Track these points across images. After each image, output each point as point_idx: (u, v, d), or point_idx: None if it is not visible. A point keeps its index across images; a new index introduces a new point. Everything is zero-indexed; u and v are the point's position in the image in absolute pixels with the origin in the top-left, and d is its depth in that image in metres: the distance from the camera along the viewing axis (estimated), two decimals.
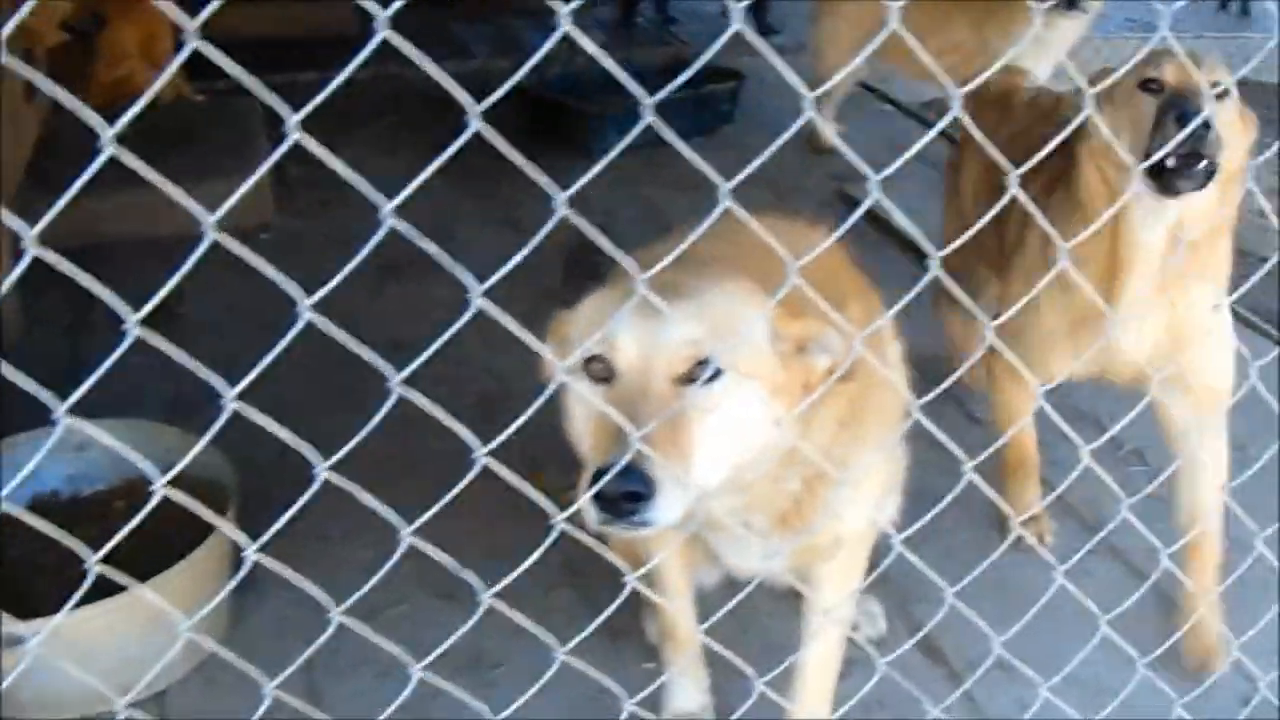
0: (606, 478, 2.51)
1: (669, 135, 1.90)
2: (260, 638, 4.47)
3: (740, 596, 3.20)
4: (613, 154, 2.06)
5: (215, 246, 1.83)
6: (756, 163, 2.14)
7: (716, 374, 2.76)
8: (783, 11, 12.30)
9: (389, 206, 1.86)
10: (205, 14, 1.65)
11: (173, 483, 2.05)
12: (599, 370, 2.80)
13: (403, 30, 1.87)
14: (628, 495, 2.53)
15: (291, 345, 1.98)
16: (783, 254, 2.34)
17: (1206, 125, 3.17)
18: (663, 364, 2.74)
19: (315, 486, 2.18)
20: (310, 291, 1.81)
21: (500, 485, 2.33)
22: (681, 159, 1.94)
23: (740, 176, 2.13)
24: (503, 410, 5.33)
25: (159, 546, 3.99)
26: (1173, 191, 3.62)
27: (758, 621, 4.47)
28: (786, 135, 2.20)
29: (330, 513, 2.28)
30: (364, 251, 1.96)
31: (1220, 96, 3.51)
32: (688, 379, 2.74)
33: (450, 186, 7.50)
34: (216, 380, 1.97)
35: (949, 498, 3.05)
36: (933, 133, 2.51)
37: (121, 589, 2.25)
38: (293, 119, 1.68)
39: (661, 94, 1.98)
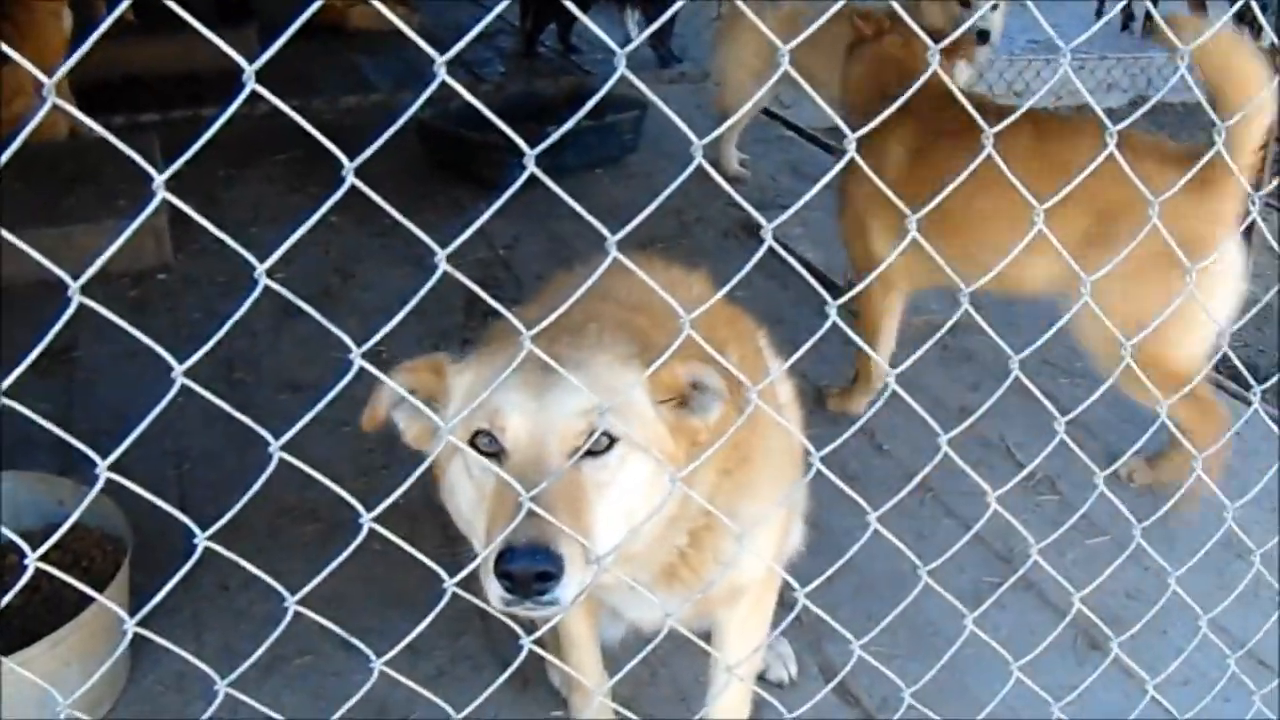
0: (517, 558, 2.47)
1: (561, 186, 1.83)
2: (160, 693, 4.36)
3: (648, 649, 3.14)
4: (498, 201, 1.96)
5: (109, 287, 1.75)
6: (640, 217, 2.07)
7: (610, 444, 2.72)
8: (685, 40, 12.30)
9: (262, 268, 1.79)
10: (65, 68, 1.57)
11: (70, 533, 1.95)
12: (487, 444, 2.73)
13: (305, 63, 1.80)
14: (539, 575, 2.49)
15: (190, 389, 1.89)
16: (675, 307, 2.33)
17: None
18: (555, 438, 2.69)
19: (195, 558, 2.11)
20: (206, 333, 1.73)
21: (400, 530, 2.28)
22: (586, 189, 1.89)
23: (623, 231, 2.07)
24: (405, 455, 5.26)
25: (59, 597, 3.90)
26: None
27: (668, 666, 4.40)
28: (675, 184, 2.13)
29: (230, 562, 2.21)
30: (243, 308, 1.88)
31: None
32: (581, 451, 2.68)
33: (354, 223, 7.45)
34: (93, 454, 1.86)
35: (855, 548, 3.02)
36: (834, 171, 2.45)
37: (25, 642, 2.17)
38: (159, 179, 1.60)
39: (550, 138, 1.91)
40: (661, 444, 2.81)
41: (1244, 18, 13.90)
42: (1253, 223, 8.64)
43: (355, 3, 12.44)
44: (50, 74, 6.06)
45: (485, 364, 2.87)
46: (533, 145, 1.89)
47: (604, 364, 2.83)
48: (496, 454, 2.72)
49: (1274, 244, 3.70)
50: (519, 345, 2.28)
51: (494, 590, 2.53)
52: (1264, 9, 13.63)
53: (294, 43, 1.73)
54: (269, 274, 1.84)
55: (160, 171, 1.70)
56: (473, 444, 2.73)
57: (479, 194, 8.23)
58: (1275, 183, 6.83)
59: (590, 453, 2.69)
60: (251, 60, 1.64)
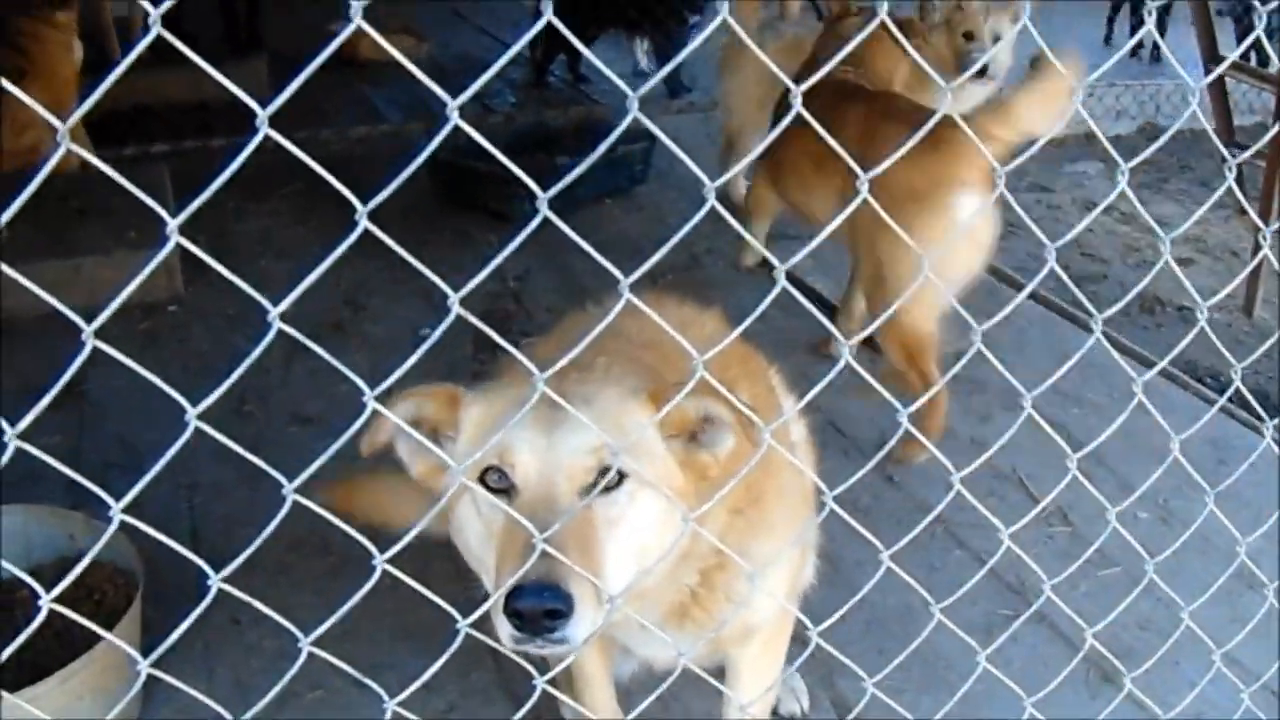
0: (526, 597, 2.43)
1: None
2: None
3: (661, 688, 3.13)
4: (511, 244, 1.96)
5: (120, 319, 1.74)
6: (652, 260, 2.07)
7: (620, 480, 2.69)
8: (694, 69, 12.30)
9: (275, 311, 1.79)
10: (77, 116, 1.57)
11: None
12: (496, 481, 2.70)
13: (314, 93, 1.80)
14: (549, 613, 2.45)
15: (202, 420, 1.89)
16: (688, 347, 2.33)
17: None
18: (564, 475, 2.66)
19: (208, 599, 2.10)
20: (215, 367, 1.73)
21: (412, 566, 2.27)
22: (596, 221, 1.89)
23: (636, 274, 2.07)
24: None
25: (70, 631, 3.89)
26: None
27: (679, 700, 4.38)
28: (688, 226, 2.12)
29: (244, 593, 2.20)
30: (255, 352, 1.88)
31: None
32: (591, 488, 2.66)
33: (363, 256, 7.39)
34: (106, 496, 1.87)
35: (868, 586, 3.00)
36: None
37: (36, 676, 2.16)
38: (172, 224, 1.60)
39: (561, 182, 1.92)
40: (671, 480, 2.79)
41: (1253, 42, 13.95)
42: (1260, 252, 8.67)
43: (364, 34, 12.41)
44: (62, 105, 6.06)
45: (496, 398, 2.85)
46: (543, 177, 1.89)
47: (613, 400, 2.80)
48: (506, 490, 2.69)
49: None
50: (531, 383, 2.27)
51: (504, 629, 2.50)
52: (1270, 36, 13.65)
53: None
54: (281, 315, 1.83)
55: (172, 207, 1.70)
56: (482, 480, 2.71)
57: (488, 225, 8.24)
58: None
59: (601, 489, 2.65)
60: (263, 94, 1.63)
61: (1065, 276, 2.92)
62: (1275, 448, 3.58)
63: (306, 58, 1.70)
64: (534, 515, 2.49)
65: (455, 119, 1.80)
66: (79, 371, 1.86)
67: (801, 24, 8.77)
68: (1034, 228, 2.82)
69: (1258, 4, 3.34)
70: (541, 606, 2.43)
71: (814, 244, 2.67)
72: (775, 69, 2.37)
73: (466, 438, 2.84)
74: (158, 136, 9.60)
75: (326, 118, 10.08)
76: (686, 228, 2.29)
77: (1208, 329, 2.85)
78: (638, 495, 2.71)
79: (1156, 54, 15.01)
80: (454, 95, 1.79)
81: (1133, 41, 14.46)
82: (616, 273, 2.08)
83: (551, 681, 2.63)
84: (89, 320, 1.76)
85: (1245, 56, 14.03)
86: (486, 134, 7.16)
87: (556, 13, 1.91)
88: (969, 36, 7.82)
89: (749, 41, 2.42)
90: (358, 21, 1.68)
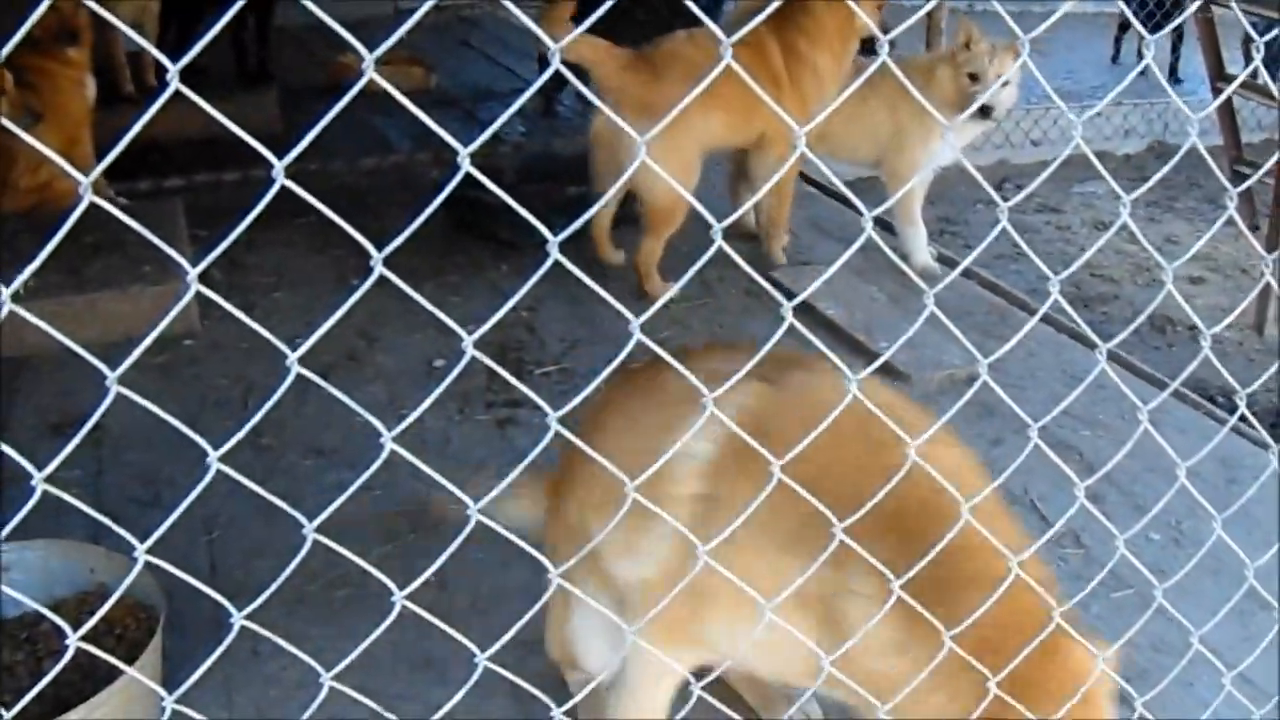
0: None
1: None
2: None
3: None
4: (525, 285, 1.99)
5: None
6: (659, 302, 2.10)
7: None
8: None
9: (294, 356, 1.83)
10: (98, 170, 1.61)
11: (103, 601, 1.99)
12: None
13: (325, 125, 1.83)
14: None
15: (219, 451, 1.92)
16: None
17: None
18: None
19: (232, 635, 2.14)
20: (232, 400, 1.76)
21: (431, 598, 2.30)
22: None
23: (645, 315, 2.11)
24: (427, 521, 5.29)
25: (93, 663, 3.91)
26: None
27: None
28: (695, 268, 2.14)
29: (262, 626, 2.23)
30: (274, 398, 1.92)
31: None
32: None
33: (376, 287, 7.41)
34: (128, 535, 1.91)
35: (880, 615, 3.00)
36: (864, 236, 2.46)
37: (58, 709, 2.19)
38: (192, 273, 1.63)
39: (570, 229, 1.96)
40: None
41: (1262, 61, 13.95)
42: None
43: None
44: (76, 143, 6.11)
45: None
46: (552, 207, 1.93)
47: None
48: None
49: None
50: None
51: None
52: (1276, 59, 13.67)
53: (312, 105, 1.78)
54: (299, 355, 1.87)
55: (186, 240, 1.73)
56: None
57: (500, 255, 8.23)
58: None
59: None
60: (273, 126, 1.67)
61: (1069, 308, 2.94)
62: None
63: (316, 91, 1.74)
64: None
65: (466, 165, 1.84)
66: (97, 405, 1.89)
67: None
68: (1036, 259, 2.84)
69: (1255, 35, 3.37)
70: None
71: (828, 272, 2.69)
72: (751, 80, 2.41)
73: None
74: (171, 171, 9.59)
75: (337, 149, 10.12)
76: (692, 270, 2.33)
77: (1211, 356, 2.88)
78: None
79: (1175, 74, 15.06)
80: (463, 126, 1.83)
81: (1141, 65, 14.49)
82: (627, 313, 2.13)
83: (569, 713, 2.67)
84: (106, 355, 1.79)
85: (1254, 74, 14.08)
86: (496, 163, 7.27)
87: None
88: (974, 78, 7.88)
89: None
90: (370, 74, 1.71)
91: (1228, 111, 11.07)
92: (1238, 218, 3.01)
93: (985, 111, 7.89)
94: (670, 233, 7.76)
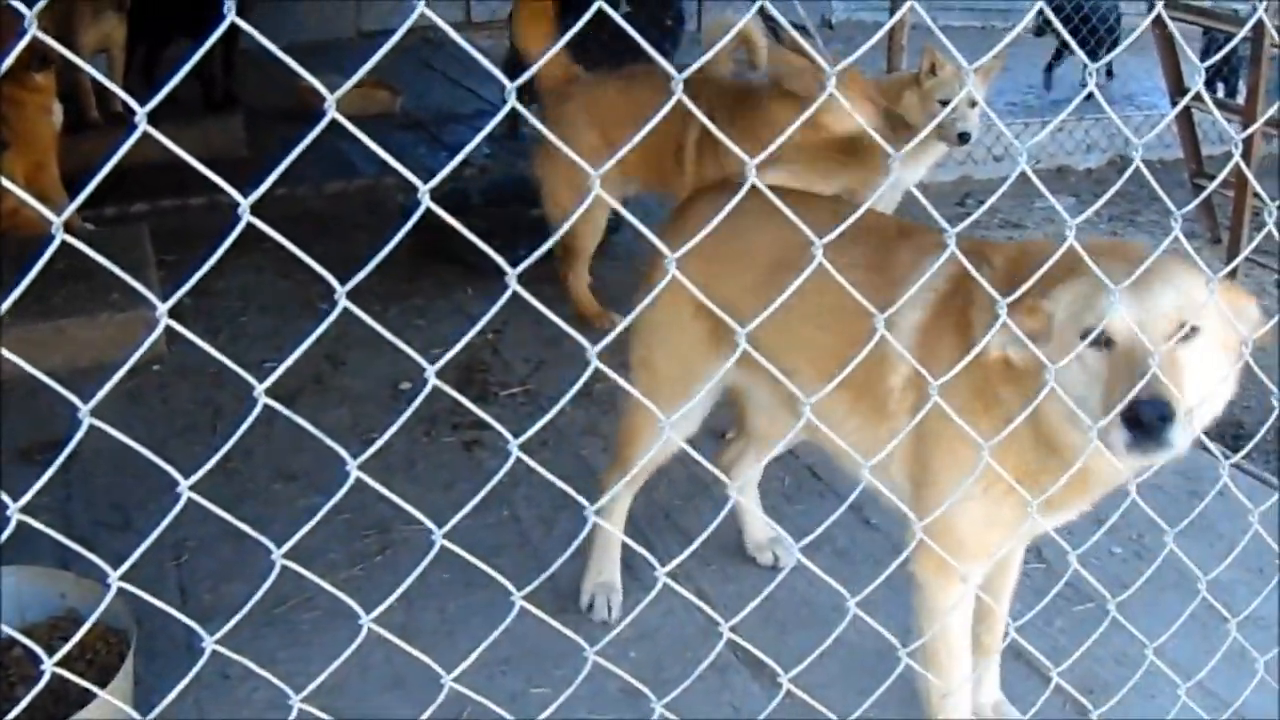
0: (1145, 407, 3.10)
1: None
2: None
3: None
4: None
5: (105, 379, 1.81)
6: (620, 327, 2.14)
7: (1193, 333, 3.28)
8: None
9: (260, 387, 1.87)
10: (70, 210, 1.65)
11: (74, 626, 2.02)
12: (1097, 338, 3.25)
13: (290, 149, 1.87)
14: (1162, 418, 3.10)
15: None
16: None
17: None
18: (1156, 329, 3.24)
19: (202, 661, 2.17)
20: (200, 425, 1.79)
21: (398, 619, 2.33)
22: None
23: (604, 341, 2.15)
24: (399, 541, 5.32)
25: (64, 689, 3.93)
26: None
27: None
28: (648, 300, 2.18)
29: (232, 650, 2.25)
30: (241, 428, 1.95)
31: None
32: (1172, 338, 3.25)
33: (342, 311, 7.42)
34: (99, 560, 1.94)
35: (838, 630, 3.04)
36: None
37: None
38: (161, 308, 1.66)
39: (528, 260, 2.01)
40: (1226, 341, 3.42)
41: (1220, 73, 14.05)
42: (1233, 277, 8.72)
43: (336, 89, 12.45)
44: (42, 170, 6.15)
45: (1078, 285, 3.38)
46: (518, 229, 1.98)
47: (1186, 273, 3.41)
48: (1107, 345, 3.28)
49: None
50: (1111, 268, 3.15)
51: (1120, 440, 3.17)
52: (1233, 74, 13.76)
53: (278, 129, 1.82)
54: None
55: (153, 265, 1.76)
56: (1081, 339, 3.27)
57: (466, 277, 8.24)
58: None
59: (1180, 338, 3.26)
60: (239, 151, 1.70)
61: (1020, 332, 3.06)
62: (1231, 484, 3.65)
63: (282, 115, 1.79)
64: (1132, 358, 3.20)
65: (427, 202, 1.89)
66: (67, 432, 1.92)
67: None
68: (985, 285, 2.89)
69: (1196, 61, 3.45)
70: (1156, 412, 3.10)
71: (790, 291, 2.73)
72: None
73: (1063, 314, 3.40)
74: (138, 196, 9.57)
75: (303, 174, 10.12)
76: (647, 300, 2.39)
77: (1159, 373, 2.98)
78: (1205, 347, 3.33)
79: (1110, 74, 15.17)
80: (429, 149, 1.87)
81: (1080, 97, 14.48)
82: (584, 341, 2.18)
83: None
84: (74, 381, 1.82)
85: (1212, 87, 14.15)
86: (462, 186, 7.29)
87: (520, 63, 1.99)
88: (945, 103, 7.87)
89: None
90: (332, 114, 1.75)
91: (1187, 125, 11.13)
92: (1182, 239, 3.12)
93: (964, 138, 7.91)
94: (578, 262, 7.71)
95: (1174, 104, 11.09)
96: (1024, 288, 3.13)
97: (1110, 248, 3.29)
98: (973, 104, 7.88)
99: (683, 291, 3.25)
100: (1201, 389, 3.33)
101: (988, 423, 3.37)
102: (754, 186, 2.42)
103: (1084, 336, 3.26)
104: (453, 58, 14.64)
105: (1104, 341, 3.27)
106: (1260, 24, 8.56)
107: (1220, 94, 13.80)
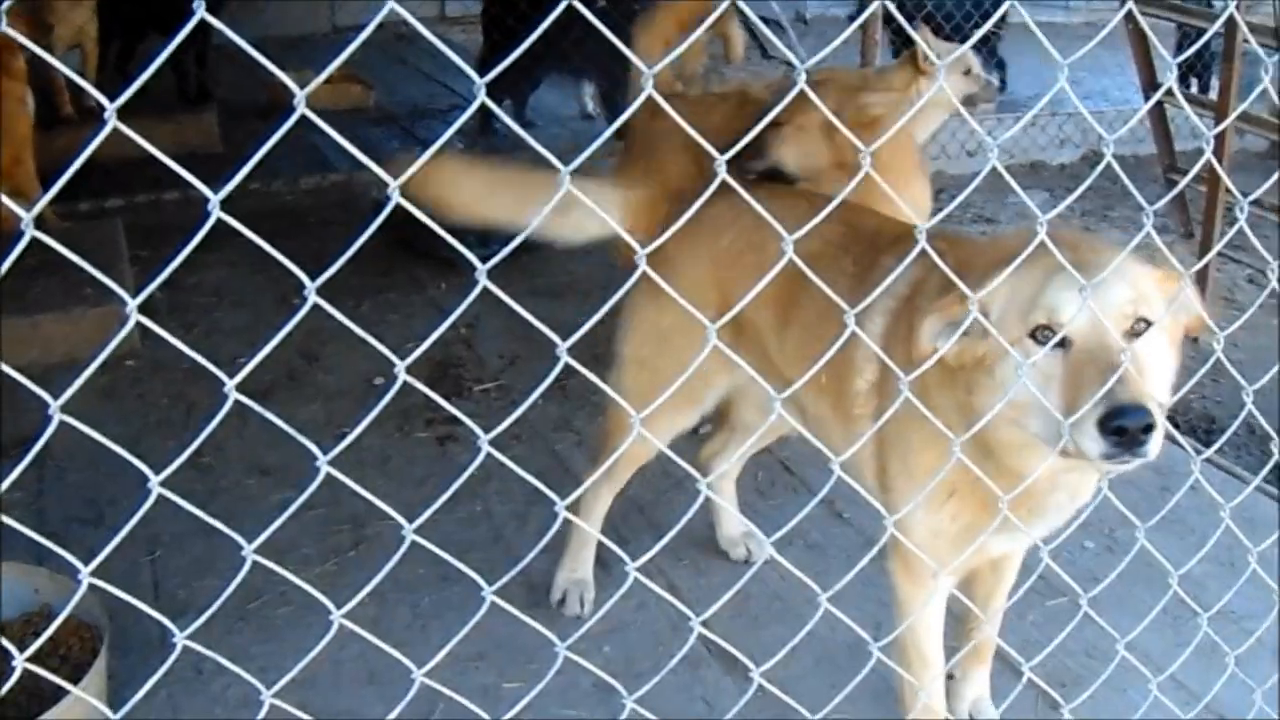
0: (1130, 415, 2.97)
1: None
2: None
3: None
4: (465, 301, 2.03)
5: (78, 374, 1.81)
6: (586, 327, 2.14)
7: (1145, 327, 3.23)
8: None
9: (231, 383, 1.88)
10: (42, 204, 1.65)
11: (47, 623, 2.02)
12: (1046, 336, 3.18)
13: (263, 143, 1.87)
14: (1145, 428, 2.98)
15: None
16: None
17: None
18: (1113, 324, 3.15)
19: (175, 655, 2.17)
20: (174, 420, 1.79)
21: (370, 614, 2.33)
22: (544, 265, 1.97)
23: (573, 339, 2.16)
24: (373, 536, 5.35)
25: (37, 684, 3.92)
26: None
27: None
28: (613, 300, 2.19)
29: (205, 645, 2.26)
30: (212, 424, 1.96)
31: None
32: (1130, 335, 3.19)
33: (316, 306, 7.39)
34: (71, 556, 1.95)
35: (810, 624, 3.05)
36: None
37: None
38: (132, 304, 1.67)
39: (499, 255, 2.01)
40: (1173, 331, 3.38)
41: (1194, 68, 14.08)
42: (1206, 273, 8.75)
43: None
44: (19, 163, 6.13)
45: (1019, 277, 3.21)
46: (492, 228, 1.99)
47: (1133, 265, 3.33)
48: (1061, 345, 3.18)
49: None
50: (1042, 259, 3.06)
51: (1096, 447, 3.03)
52: (1206, 69, 13.79)
53: (252, 124, 1.82)
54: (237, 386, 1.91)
55: (127, 260, 1.76)
56: (1033, 338, 3.21)
57: (438, 272, 8.26)
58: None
59: (1134, 335, 3.20)
60: (213, 145, 1.70)
61: (988, 324, 3.06)
62: (1203, 479, 3.66)
63: (256, 110, 1.79)
64: (1094, 359, 3.10)
65: (396, 197, 1.89)
66: (40, 427, 1.92)
67: (744, 69, 8.74)
68: (954, 277, 2.90)
69: (1169, 57, 3.47)
70: (1143, 422, 2.97)
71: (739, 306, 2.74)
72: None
73: (1001, 312, 3.29)
74: (112, 191, 9.57)
75: (278, 169, 10.13)
76: (615, 298, 2.40)
77: (1130, 369, 2.97)
78: (1158, 340, 3.27)
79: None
80: (402, 143, 1.88)
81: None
82: (554, 337, 2.19)
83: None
84: (48, 376, 1.82)
85: (1185, 83, 14.19)
86: None
87: (500, 54, 2.01)
88: (967, 72, 7.86)
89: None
90: (301, 110, 1.75)
91: (1160, 121, 11.16)
92: (1153, 234, 3.10)
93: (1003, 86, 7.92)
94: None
95: (1146, 99, 11.11)
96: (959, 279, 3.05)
97: (1065, 241, 3.17)
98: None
99: (701, 297, 3.29)
100: (1160, 385, 3.28)
101: (931, 429, 3.24)
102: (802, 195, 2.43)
103: (1033, 334, 3.21)
104: (426, 53, 14.65)
105: (1058, 341, 3.19)
106: (1232, 19, 8.60)
107: (1194, 90, 13.84)
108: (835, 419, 3.96)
